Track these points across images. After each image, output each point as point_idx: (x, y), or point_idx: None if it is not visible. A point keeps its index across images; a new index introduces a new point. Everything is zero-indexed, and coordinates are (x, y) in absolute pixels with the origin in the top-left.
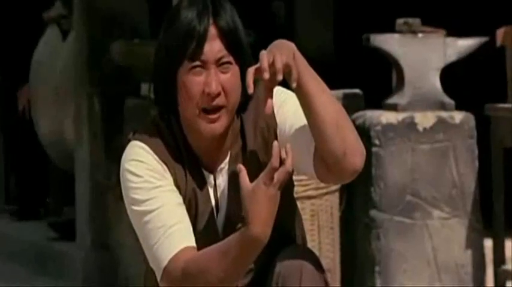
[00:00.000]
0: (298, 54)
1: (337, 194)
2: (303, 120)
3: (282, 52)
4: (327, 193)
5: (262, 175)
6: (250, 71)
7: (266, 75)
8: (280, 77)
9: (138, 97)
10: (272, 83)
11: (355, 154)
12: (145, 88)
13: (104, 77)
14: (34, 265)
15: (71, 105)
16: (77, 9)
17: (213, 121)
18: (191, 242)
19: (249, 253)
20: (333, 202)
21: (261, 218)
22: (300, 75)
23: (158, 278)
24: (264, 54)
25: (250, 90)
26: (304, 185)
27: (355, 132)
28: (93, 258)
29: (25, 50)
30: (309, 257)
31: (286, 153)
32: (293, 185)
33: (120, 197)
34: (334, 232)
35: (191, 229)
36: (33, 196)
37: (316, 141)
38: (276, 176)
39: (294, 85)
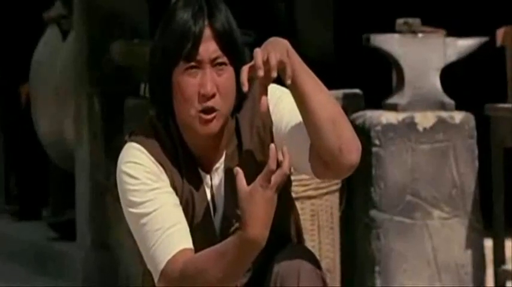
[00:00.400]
0: (292, 51)
1: (337, 194)
2: (298, 118)
3: (276, 49)
4: (327, 193)
5: (259, 177)
6: (245, 68)
7: (260, 73)
8: (274, 74)
9: (138, 97)
10: (267, 80)
11: (351, 150)
12: (145, 88)
13: (104, 77)
14: (34, 265)
15: (71, 105)
16: (77, 9)
17: (208, 121)
18: (189, 243)
19: (246, 255)
20: (333, 202)
21: (258, 221)
22: (294, 73)
23: (156, 280)
24: (258, 52)
25: (245, 88)
26: (304, 185)
27: (351, 128)
28: (93, 258)
29: (25, 50)
30: (307, 256)
31: (283, 155)
32: (291, 184)
33: (117, 199)
34: (334, 232)
35: (188, 230)
36: (33, 196)
37: (311, 138)
38: (273, 178)
39: (289, 82)
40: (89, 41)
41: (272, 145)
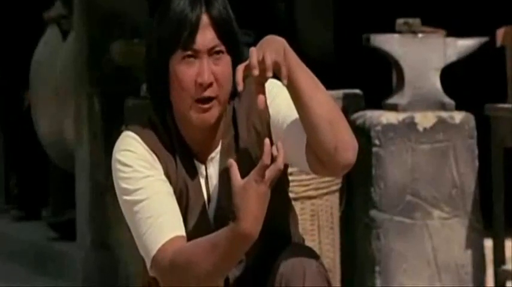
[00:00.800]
0: (289, 49)
1: (337, 194)
2: (295, 113)
3: (272, 48)
4: (327, 193)
5: (253, 172)
6: (240, 68)
7: (255, 72)
8: (270, 74)
9: (138, 97)
10: (262, 79)
11: (347, 148)
12: (145, 88)
13: (104, 77)
14: (34, 265)
15: (71, 105)
16: (77, 9)
17: (205, 111)
18: (180, 231)
19: (238, 249)
20: (333, 202)
21: (251, 215)
22: (291, 71)
23: (148, 267)
24: (253, 51)
25: (240, 87)
26: (305, 185)
27: (348, 127)
28: (93, 258)
29: (25, 50)
30: (312, 256)
31: (278, 150)
32: (288, 183)
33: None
34: (334, 232)
35: (181, 218)
36: (33, 196)
37: (308, 135)
38: (267, 173)
39: (285, 82)
40: (89, 41)
41: (267, 140)
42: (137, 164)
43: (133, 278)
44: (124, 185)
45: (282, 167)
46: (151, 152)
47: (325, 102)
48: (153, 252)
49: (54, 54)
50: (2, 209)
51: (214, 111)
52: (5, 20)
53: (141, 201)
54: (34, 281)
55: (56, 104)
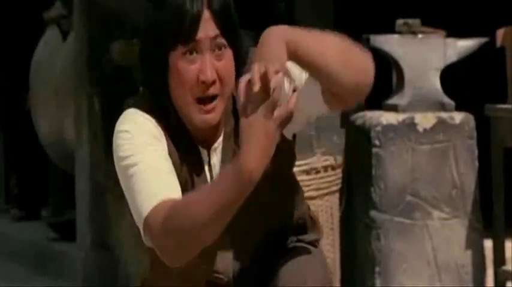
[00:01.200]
0: (290, 32)
1: (337, 195)
2: (297, 71)
3: (273, 58)
4: (327, 194)
5: (262, 107)
6: (242, 84)
7: (255, 88)
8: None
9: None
10: (266, 94)
11: (366, 77)
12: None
13: (104, 77)
14: (34, 265)
15: (71, 105)
16: (77, 9)
17: (208, 112)
18: (177, 194)
19: (238, 188)
20: (333, 203)
21: (255, 152)
22: (300, 50)
23: (142, 234)
24: (255, 66)
25: (242, 99)
26: (305, 185)
27: (361, 54)
28: (93, 258)
29: (25, 50)
30: (314, 270)
31: (292, 92)
32: (294, 157)
33: (119, 196)
34: (334, 232)
35: (177, 183)
36: (33, 196)
37: (327, 86)
38: (277, 112)
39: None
40: (89, 41)
41: (254, 65)
42: (141, 133)
43: (133, 278)
44: (121, 153)
45: (293, 109)
46: (160, 128)
47: (334, 52)
48: (145, 214)
49: (54, 54)
50: (2, 209)
51: (217, 111)
52: (5, 20)
53: (136, 164)
54: (34, 281)
55: (56, 104)
